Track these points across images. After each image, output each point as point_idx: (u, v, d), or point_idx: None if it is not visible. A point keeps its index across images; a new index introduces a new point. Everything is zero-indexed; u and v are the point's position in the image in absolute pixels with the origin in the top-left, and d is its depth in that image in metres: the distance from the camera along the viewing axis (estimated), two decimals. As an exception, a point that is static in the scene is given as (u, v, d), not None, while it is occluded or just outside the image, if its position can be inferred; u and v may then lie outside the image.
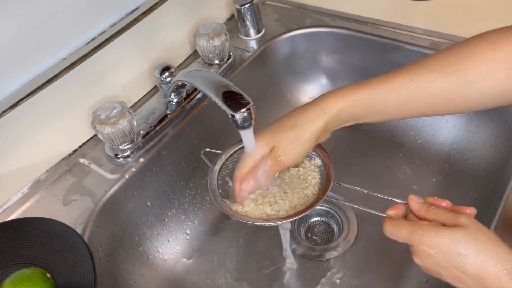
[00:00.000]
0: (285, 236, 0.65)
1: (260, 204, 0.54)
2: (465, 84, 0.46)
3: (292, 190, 0.56)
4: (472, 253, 0.39)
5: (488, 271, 0.38)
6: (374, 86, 0.49)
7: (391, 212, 0.47)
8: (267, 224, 0.53)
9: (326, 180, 0.54)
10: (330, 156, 0.56)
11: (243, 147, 0.57)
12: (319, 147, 0.57)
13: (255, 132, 0.53)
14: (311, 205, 0.52)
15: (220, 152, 0.59)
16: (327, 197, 0.52)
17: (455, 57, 0.47)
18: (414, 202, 0.46)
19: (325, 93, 0.52)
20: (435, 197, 0.46)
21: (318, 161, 0.57)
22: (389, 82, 0.48)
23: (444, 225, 0.42)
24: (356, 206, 0.50)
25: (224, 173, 0.58)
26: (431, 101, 0.48)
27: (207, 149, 0.60)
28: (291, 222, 0.73)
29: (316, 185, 0.56)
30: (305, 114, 0.51)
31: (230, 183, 0.57)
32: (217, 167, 0.57)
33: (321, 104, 0.51)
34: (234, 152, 0.59)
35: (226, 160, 0.58)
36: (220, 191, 0.56)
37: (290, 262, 0.68)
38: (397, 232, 0.44)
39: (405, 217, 0.47)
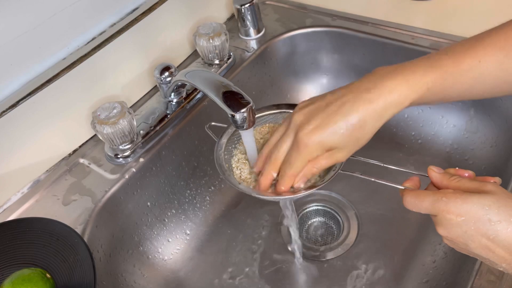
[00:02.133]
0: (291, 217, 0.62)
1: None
2: None
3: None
4: (504, 219, 0.36)
5: None
6: (445, 69, 0.43)
7: (408, 184, 0.45)
8: (286, 198, 0.49)
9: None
10: None
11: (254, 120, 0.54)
12: None
13: (306, 111, 0.47)
14: (325, 180, 0.50)
15: (226, 125, 0.57)
16: (341, 171, 0.49)
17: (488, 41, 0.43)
18: (435, 172, 0.43)
19: (387, 76, 0.44)
20: (457, 168, 0.43)
21: None
22: (459, 64, 0.43)
23: (470, 192, 0.39)
24: (373, 179, 0.48)
25: (230, 147, 0.56)
26: (497, 83, 0.44)
27: (213, 123, 0.58)
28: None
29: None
30: (375, 109, 0.44)
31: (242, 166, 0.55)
32: (224, 140, 0.55)
33: (390, 95, 0.44)
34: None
35: (232, 135, 0.56)
36: (227, 165, 0.54)
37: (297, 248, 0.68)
38: (419, 202, 0.41)
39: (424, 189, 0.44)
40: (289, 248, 0.71)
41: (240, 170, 0.54)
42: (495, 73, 0.43)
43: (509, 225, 0.36)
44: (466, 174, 0.43)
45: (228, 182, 0.52)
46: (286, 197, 0.49)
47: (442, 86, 0.44)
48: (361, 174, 0.49)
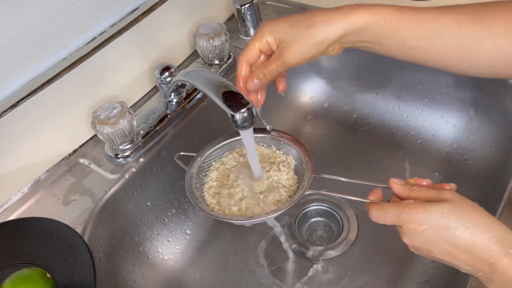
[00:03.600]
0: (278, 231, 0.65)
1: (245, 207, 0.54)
2: (488, 36, 0.45)
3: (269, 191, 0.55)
4: (461, 225, 0.39)
5: (479, 241, 0.38)
6: (404, 11, 0.47)
7: (372, 197, 0.47)
8: (252, 221, 0.52)
9: (307, 173, 0.53)
10: (306, 148, 0.56)
11: (217, 148, 0.58)
12: (297, 142, 0.57)
13: (267, 19, 0.50)
14: (293, 199, 0.51)
15: (195, 154, 0.58)
16: (309, 190, 0.51)
17: (485, 8, 0.46)
18: (396, 184, 0.45)
19: (352, 4, 0.48)
20: (416, 178, 0.46)
21: (293, 161, 0.57)
22: (421, 12, 0.47)
23: (429, 202, 0.41)
24: (339, 196, 0.50)
25: (201, 175, 0.57)
26: (451, 46, 0.46)
27: (182, 153, 0.59)
28: (286, 223, 0.73)
29: (293, 184, 0.55)
30: (326, 17, 0.48)
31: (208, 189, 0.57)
32: (193, 169, 0.57)
33: (347, 11, 0.47)
34: (209, 154, 0.59)
35: (203, 163, 0.58)
36: (198, 193, 0.55)
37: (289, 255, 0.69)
38: (384, 214, 0.43)
39: (387, 201, 0.47)
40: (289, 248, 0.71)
41: (212, 197, 0.56)
42: (454, 33, 0.45)
43: (466, 230, 0.39)
44: (425, 183, 0.45)
45: (199, 209, 0.53)
46: (256, 220, 0.51)
47: (398, 23, 0.47)
48: (327, 191, 0.51)
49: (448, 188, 0.44)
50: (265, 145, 0.60)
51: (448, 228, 0.39)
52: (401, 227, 0.42)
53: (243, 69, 0.52)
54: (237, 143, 0.60)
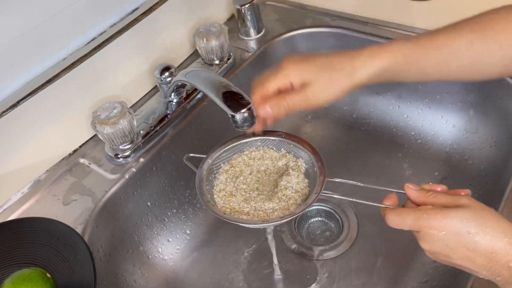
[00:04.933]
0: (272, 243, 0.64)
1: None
2: (498, 49, 0.48)
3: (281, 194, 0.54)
4: (481, 230, 0.39)
5: (498, 246, 0.39)
6: (420, 42, 0.50)
7: (388, 202, 0.46)
8: (266, 225, 0.52)
9: (320, 177, 0.53)
10: (319, 153, 0.55)
11: (226, 150, 0.57)
12: (309, 146, 0.56)
13: (289, 56, 0.52)
14: (308, 203, 0.51)
15: (204, 156, 0.57)
16: (323, 193, 0.51)
17: (488, 21, 0.49)
18: (411, 190, 0.45)
19: (374, 44, 0.51)
20: (430, 183, 0.46)
21: (304, 165, 0.56)
22: (433, 40, 0.50)
23: (447, 207, 0.41)
24: (353, 200, 0.49)
25: (211, 177, 0.56)
26: (465, 64, 0.49)
27: (191, 154, 0.58)
28: (286, 223, 0.73)
29: (304, 188, 0.55)
30: (354, 62, 0.50)
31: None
32: (203, 171, 0.56)
33: (369, 56, 0.50)
34: (219, 155, 0.57)
35: (212, 165, 0.57)
36: (209, 195, 0.54)
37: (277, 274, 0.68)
38: (401, 220, 0.43)
39: (402, 205, 0.47)
40: (291, 247, 0.71)
41: (223, 200, 0.54)
42: (467, 52, 0.49)
43: (486, 235, 0.39)
44: (439, 189, 0.45)
45: (212, 212, 0.52)
46: (273, 223, 0.50)
47: (415, 56, 0.50)
48: (341, 195, 0.50)
49: (463, 193, 0.44)
50: (274, 148, 0.58)
51: (468, 233, 0.39)
52: (419, 232, 0.42)
53: (258, 101, 0.52)
54: (246, 145, 0.58)
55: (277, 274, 0.68)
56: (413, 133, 0.80)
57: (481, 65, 0.49)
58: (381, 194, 0.48)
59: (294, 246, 0.71)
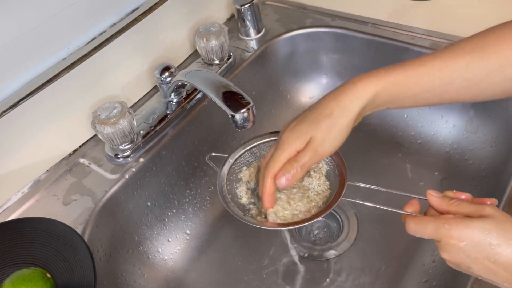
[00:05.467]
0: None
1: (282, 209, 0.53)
2: (497, 69, 0.46)
3: (301, 196, 0.54)
4: (503, 242, 0.38)
5: None
6: (408, 68, 0.48)
7: (410, 209, 0.46)
8: (285, 228, 0.51)
9: (340, 180, 0.52)
10: (341, 155, 0.54)
11: (250, 149, 0.56)
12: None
13: (284, 128, 0.51)
14: (330, 205, 0.50)
15: (226, 155, 0.57)
16: (343, 197, 0.50)
17: (484, 42, 0.47)
18: (434, 197, 0.44)
19: (357, 76, 0.49)
20: (454, 191, 0.45)
21: (325, 166, 0.56)
22: (425, 65, 0.48)
23: (469, 217, 0.41)
24: (374, 205, 0.48)
25: (232, 177, 0.56)
26: (463, 86, 0.47)
27: (213, 154, 0.58)
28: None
29: (326, 190, 0.55)
30: (340, 101, 0.49)
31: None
32: (225, 171, 0.55)
33: (353, 89, 0.48)
34: (241, 155, 0.57)
35: (233, 164, 0.56)
36: (230, 196, 0.54)
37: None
38: (422, 229, 0.43)
39: (424, 212, 0.46)
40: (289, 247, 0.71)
41: (246, 199, 0.54)
42: (464, 75, 0.47)
43: (508, 247, 0.38)
44: (463, 197, 0.44)
45: (232, 213, 0.51)
46: (292, 227, 0.51)
47: (405, 83, 0.48)
48: (362, 201, 0.49)
49: (489, 203, 0.43)
50: None
51: (490, 245, 0.39)
52: (440, 242, 0.41)
53: (271, 186, 0.50)
54: (268, 145, 0.57)
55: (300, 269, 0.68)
56: (413, 133, 0.80)
57: (481, 87, 0.47)
58: (395, 199, 0.48)
59: (294, 246, 0.71)
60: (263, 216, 0.53)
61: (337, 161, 0.54)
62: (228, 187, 0.54)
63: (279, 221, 0.52)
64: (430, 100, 0.50)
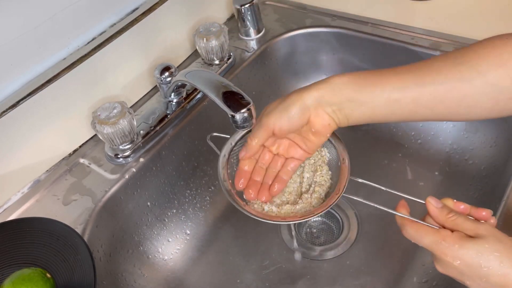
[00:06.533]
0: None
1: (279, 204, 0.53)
2: (476, 75, 0.44)
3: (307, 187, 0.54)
4: (495, 264, 0.40)
5: (511, 281, 0.40)
6: (405, 80, 0.46)
7: (403, 210, 0.47)
8: (284, 222, 0.50)
9: (341, 176, 0.52)
10: (345, 147, 0.54)
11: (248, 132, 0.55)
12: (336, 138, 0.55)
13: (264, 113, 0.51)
14: (327, 203, 0.50)
15: (228, 136, 0.56)
16: (344, 195, 0.50)
17: (465, 52, 0.45)
18: (433, 206, 0.45)
19: (342, 75, 0.48)
20: (454, 200, 0.46)
21: (327, 155, 0.55)
22: (420, 79, 0.46)
23: (465, 236, 0.42)
24: (374, 205, 0.48)
25: (232, 160, 0.55)
26: (448, 95, 0.45)
27: (214, 134, 0.57)
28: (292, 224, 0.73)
29: (326, 182, 0.54)
30: (302, 89, 0.49)
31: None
32: (225, 154, 0.54)
33: (313, 85, 0.49)
34: (242, 137, 0.56)
35: (234, 146, 0.56)
36: (230, 181, 0.53)
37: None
38: (419, 237, 0.44)
39: (422, 218, 0.47)
40: (291, 247, 0.71)
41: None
42: (439, 78, 0.45)
43: (499, 269, 0.40)
44: (462, 207, 0.45)
45: (232, 201, 0.51)
46: (290, 221, 0.50)
47: (403, 99, 0.46)
48: (363, 199, 0.49)
49: (484, 213, 0.44)
50: None
51: (481, 266, 0.40)
52: (435, 255, 0.43)
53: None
54: None
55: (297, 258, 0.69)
56: (413, 133, 0.80)
57: (463, 95, 0.45)
58: (394, 199, 0.48)
59: (294, 246, 0.71)
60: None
61: (341, 149, 0.54)
62: (229, 170, 0.54)
63: (275, 210, 0.52)
64: (426, 116, 0.48)
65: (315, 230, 0.74)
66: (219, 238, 0.74)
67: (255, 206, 0.53)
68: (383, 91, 0.46)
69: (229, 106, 0.49)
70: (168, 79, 0.67)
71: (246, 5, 0.79)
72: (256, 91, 0.83)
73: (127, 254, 0.65)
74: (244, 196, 0.53)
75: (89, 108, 0.67)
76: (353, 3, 0.84)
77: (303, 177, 0.55)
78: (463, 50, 0.46)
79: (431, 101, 0.46)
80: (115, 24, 0.65)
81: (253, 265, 0.70)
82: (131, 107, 0.73)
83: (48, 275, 0.49)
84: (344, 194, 0.50)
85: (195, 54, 0.81)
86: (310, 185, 0.54)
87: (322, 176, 0.54)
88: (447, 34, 0.74)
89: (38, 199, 0.62)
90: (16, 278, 0.47)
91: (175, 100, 0.71)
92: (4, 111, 0.54)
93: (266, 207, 0.53)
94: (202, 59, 0.77)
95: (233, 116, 0.49)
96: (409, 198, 0.48)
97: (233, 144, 0.56)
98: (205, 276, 0.70)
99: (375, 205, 0.48)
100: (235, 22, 0.84)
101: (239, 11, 0.80)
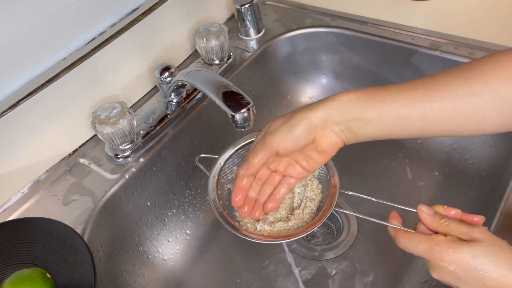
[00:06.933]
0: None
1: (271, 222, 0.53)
2: (485, 89, 0.43)
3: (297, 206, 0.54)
4: (491, 267, 0.40)
5: (507, 283, 0.39)
6: (413, 96, 0.45)
7: (395, 221, 0.47)
8: (276, 242, 0.50)
9: (331, 190, 0.52)
10: (334, 162, 0.54)
11: (240, 148, 0.56)
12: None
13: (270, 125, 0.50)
14: (320, 218, 0.50)
15: (216, 156, 0.56)
16: (335, 210, 0.50)
17: (471, 66, 0.45)
18: (425, 214, 0.45)
19: (348, 92, 0.47)
20: (445, 206, 0.45)
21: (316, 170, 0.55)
22: (429, 95, 0.45)
23: (459, 238, 0.42)
24: (367, 218, 0.49)
25: (222, 180, 0.55)
26: (456, 110, 0.44)
27: (203, 155, 0.57)
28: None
29: (317, 199, 0.54)
30: (306, 107, 0.48)
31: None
32: (215, 175, 0.54)
33: (317, 103, 0.47)
34: (231, 156, 0.56)
35: (224, 165, 0.55)
36: (221, 202, 0.53)
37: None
38: (413, 246, 0.44)
39: (414, 226, 0.47)
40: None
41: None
42: (449, 94, 0.44)
43: (495, 272, 0.40)
44: (453, 212, 0.45)
45: (225, 224, 0.51)
46: (285, 240, 0.50)
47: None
48: (355, 212, 0.50)
49: (476, 219, 0.44)
50: None
51: (477, 270, 0.40)
52: (430, 262, 0.43)
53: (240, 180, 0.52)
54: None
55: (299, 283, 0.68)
56: (413, 133, 0.80)
57: (473, 110, 0.44)
58: (385, 206, 0.48)
59: (294, 246, 0.71)
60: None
61: (329, 164, 0.54)
62: (219, 191, 0.54)
63: (268, 229, 0.51)
64: (433, 133, 0.47)
65: (315, 230, 0.74)
66: (219, 238, 0.74)
67: (248, 225, 0.53)
68: (392, 108, 0.45)
69: (229, 106, 0.49)
70: (168, 79, 0.67)
71: (246, 5, 0.79)
72: (256, 91, 0.83)
73: (127, 254, 0.65)
74: (237, 213, 0.53)
75: (89, 108, 0.67)
76: (353, 3, 0.84)
77: (294, 193, 0.55)
78: (469, 65, 0.45)
79: (440, 117, 0.45)
80: (115, 24, 0.65)
81: (253, 265, 0.70)
82: (131, 107, 0.73)
83: (48, 275, 0.49)
84: (336, 209, 0.50)
85: (195, 54, 0.81)
86: (301, 200, 0.54)
87: (313, 191, 0.54)
88: (447, 34, 0.74)
89: (38, 199, 0.62)
90: (16, 278, 0.47)
91: (175, 100, 0.71)
92: (4, 111, 0.54)
93: (258, 226, 0.52)
94: (202, 59, 0.77)
95: (233, 116, 0.49)
96: (400, 208, 0.48)
97: (222, 164, 0.56)
98: (205, 276, 0.70)
99: (367, 218, 0.48)
100: (235, 22, 0.84)
101: (239, 11, 0.80)
